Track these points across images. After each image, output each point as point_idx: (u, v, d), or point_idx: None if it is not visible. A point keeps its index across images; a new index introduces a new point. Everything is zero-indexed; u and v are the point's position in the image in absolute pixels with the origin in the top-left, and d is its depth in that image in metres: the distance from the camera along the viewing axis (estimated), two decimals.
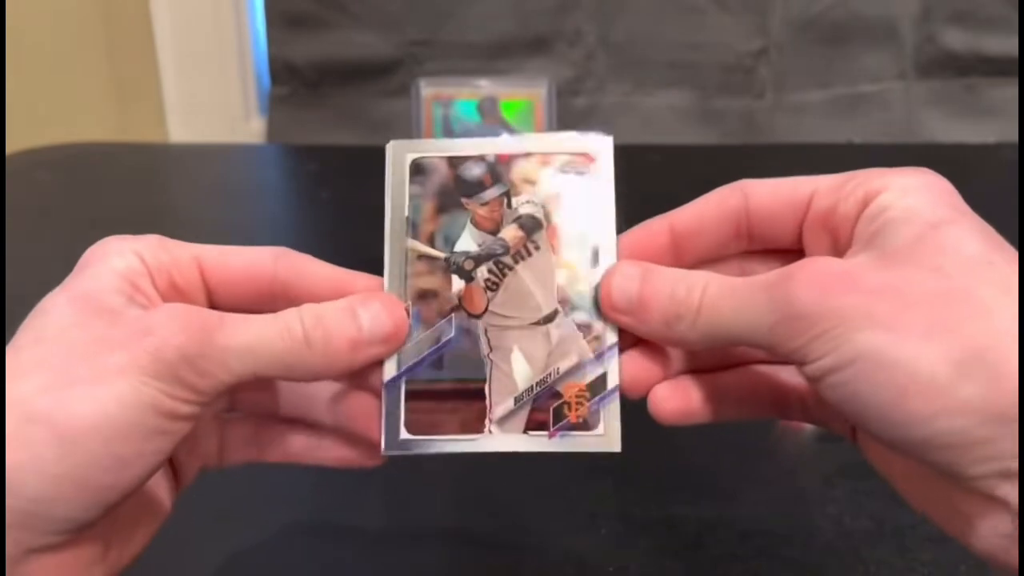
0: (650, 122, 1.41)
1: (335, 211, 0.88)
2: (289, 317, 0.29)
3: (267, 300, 0.31)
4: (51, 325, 0.27)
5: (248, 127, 1.48)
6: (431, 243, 0.32)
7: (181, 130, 1.43)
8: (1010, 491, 0.24)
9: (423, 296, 0.31)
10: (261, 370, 0.28)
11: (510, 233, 0.32)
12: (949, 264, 0.25)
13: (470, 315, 0.31)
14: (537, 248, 0.32)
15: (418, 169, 0.32)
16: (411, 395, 0.31)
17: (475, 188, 0.32)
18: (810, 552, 0.42)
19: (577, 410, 0.30)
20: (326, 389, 0.33)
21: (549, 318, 0.31)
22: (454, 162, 0.32)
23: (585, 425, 0.30)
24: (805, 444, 0.51)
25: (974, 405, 0.24)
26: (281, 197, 1.00)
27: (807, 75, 1.40)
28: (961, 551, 0.26)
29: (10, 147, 1.02)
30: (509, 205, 0.32)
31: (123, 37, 1.38)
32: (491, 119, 0.82)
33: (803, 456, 0.50)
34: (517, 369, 0.31)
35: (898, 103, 1.43)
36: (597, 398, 0.31)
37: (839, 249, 0.29)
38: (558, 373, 0.31)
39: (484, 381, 0.31)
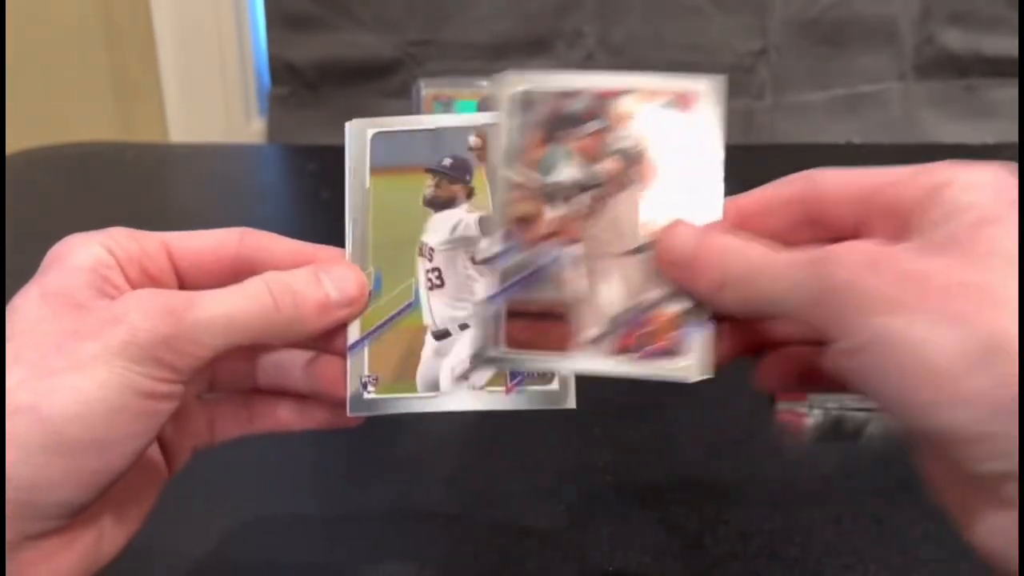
0: None
1: (335, 211, 0.87)
2: (256, 285, 0.30)
3: (232, 279, 0.31)
4: (22, 321, 0.28)
5: (248, 127, 1.48)
6: (531, 172, 0.32)
7: (181, 130, 1.43)
8: (1012, 490, 0.24)
9: (520, 222, 0.32)
10: (235, 340, 0.29)
11: (607, 165, 0.32)
12: (984, 258, 0.25)
13: (565, 241, 0.32)
14: (633, 182, 0.32)
15: (524, 102, 0.33)
16: (510, 315, 0.31)
17: (576, 121, 0.32)
18: (810, 552, 0.42)
19: (666, 337, 0.31)
20: (300, 357, 0.34)
21: (641, 249, 0.31)
22: (558, 96, 0.33)
23: (673, 352, 0.31)
24: (805, 444, 0.51)
25: (981, 397, 0.23)
26: (281, 197, 1.00)
27: (806, 76, 1.40)
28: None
29: (10, 147, 1.02)
30: (608, 139, 0.32)
31: (123, 37, 1.38)
32: None
33: (803, 456, 0.50)
34: (609, 295, 0.31)
35: (897, 103, 1.43)
36: (686, 327, 0.31)
37: (900, 241, 0.29)
38: (649, 302, 0.31)
39: (576, 304, 0.31)
